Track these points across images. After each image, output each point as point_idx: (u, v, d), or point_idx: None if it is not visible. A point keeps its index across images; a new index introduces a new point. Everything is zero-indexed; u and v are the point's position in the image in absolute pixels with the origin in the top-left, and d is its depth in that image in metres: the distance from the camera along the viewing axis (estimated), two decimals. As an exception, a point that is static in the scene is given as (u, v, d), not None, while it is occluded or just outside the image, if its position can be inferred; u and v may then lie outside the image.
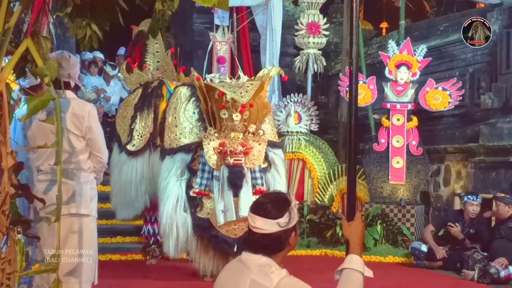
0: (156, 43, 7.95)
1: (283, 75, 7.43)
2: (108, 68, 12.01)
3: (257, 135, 6.81)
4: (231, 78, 7.10)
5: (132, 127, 7.44)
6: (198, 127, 6.88)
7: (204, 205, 6.72)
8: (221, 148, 6.61)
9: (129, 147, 7.41)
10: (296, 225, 2.69)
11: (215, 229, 6.66)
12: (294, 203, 2.69)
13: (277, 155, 7.15)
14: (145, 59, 8.02)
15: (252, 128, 6.77)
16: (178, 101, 7.01)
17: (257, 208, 2.66)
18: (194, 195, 6.71)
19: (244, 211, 6.49)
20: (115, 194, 7.65)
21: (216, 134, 6.68)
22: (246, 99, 6.44)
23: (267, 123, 7.16)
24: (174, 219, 6.61)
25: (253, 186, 6.71)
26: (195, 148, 6.80)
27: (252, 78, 7.05)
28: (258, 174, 6.80)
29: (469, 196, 7.99)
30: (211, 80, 6.98)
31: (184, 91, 7.07)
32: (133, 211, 7.60)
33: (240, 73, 7.25)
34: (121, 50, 12.30)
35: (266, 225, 2.62)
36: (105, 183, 8.49)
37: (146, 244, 8.07)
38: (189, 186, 6.73)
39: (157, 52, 7.97)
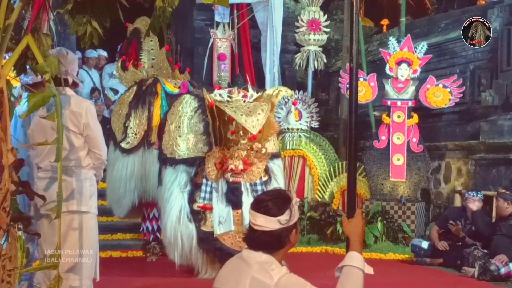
0: (151, 40, 7.90)
1: (293, 100, 7.42)
2: (110, 93, 12.04)
3: (259, 152, 6.82)
4: (238, 91, 7.00)
5: (126, 125, 7.44)
6: (202, 142, 6.86)
7: (208, 218, 6.73)
8: (222, 163, 6.65)
9: (123, 144, 7.41)
10: (296, 222, 2.69)
11: (220, 242, 6.67)
12: (295, 200, 2.69)
13: (275, 165, 7.14)
14: (140, 57, 7.98)
15: (256, 146, 6.78)
16: (183, 110, 6.95)
17: (258, 206, 2.68)
18: (198, 209, 6.72)
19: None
20: (108, 192, 7.69)
21: (220, 152, 6.71)
22: (256, 131, 6.44)
23: (271, 139, 7.15)
24: (178, 230, 6.62)
25: (254, 198, 6.74)
26: (198, 163, 6.80)
27: (260, 94, 6.98)
28: (259, 187, 6.82)
29: (469, 192, 8.01)
30: (220, 95, 6.90)
31: (190, 101, 7.00)
32: (122, 209, 7.60)
33: (249, 87, 7.16)
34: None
35: (267, 223, 2.63)
36: (104, 180, 8.51)
37: (146, 242, 8.08)
38: (191, 199, 6.73)
39: (152, 49, 7.93)
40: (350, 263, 2.66)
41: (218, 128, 6.68)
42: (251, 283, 2.56)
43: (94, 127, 4.43)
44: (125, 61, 8.00)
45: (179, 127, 6.89)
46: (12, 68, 3.15)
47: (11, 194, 2.89)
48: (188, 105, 6.97)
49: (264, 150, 6.87)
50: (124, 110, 7.54)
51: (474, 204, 7.90)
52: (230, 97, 6.89)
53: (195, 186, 6.75)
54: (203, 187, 6.72)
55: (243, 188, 6.72)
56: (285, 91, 7.33)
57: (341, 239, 8.92)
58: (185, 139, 6.85)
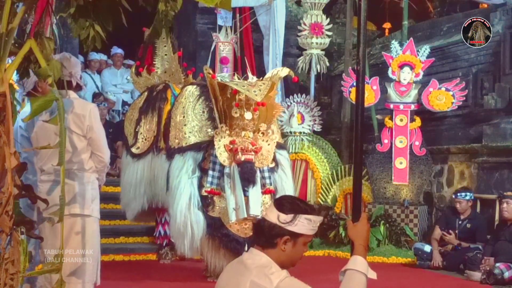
0: (165, 46, 7.94)
1: (293, 76, 7.45)
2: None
3: (266, 135, 6.83)
4: (239, 78, 7.09)
5: (136, 130, 7.48)
6: (208, 126, 6.88)
7: (216, 204, 6.72)
8: (231, 145, 6.63)
9: (133, 149, 7.46)
10: (296, 237, 2.66)
11: (226, 228, 6.67)
12: (309, 217, 2.66)
13: (282, 156, 7.17)
14: (154, 62, 8.02)
15: (263, 127, 6.79)
16: (187, 100, 6.98)
17: (280, 198, 2.81)
18: (206, 194, 6.71)
19: (254, 209, 6.51)
20: (121, 196, 7.74)
21: (227, 131, 6.70)
22: (260, 98, 6.46)
23: (274, 124, 7.18)
24: (188, 217, 6.60)
25: (263, 185, 6.74)
26: (205, 147, 6.80)
27: (260, 78, 7.06)
28: (266, 174, 6.83)
29: (457, 194, 8.09)
30: (221, 79, 6.98)
31: (192, 90, 7.05)
32: (131, 212, 7.62)
33: (248, 73, 7.23)
34: (115, 49, 12.35)
35: (270, 211, 2.71)
36: (107, 184, 8.53)
37: (159, 246, 8.14)
38: (200, 185, 6.73)
39: (166, 55, 7.95)
40: (353, 267, 2.65)
41: (222, 107, 6.71)
42: (250, 287, 2.55)
43: (97, 130, 4.45)
44: (139, 66, 8.06)
45: (184, 117, 6.92)
46: (15, 72, 3.15)
47: (14, 198, 2.89)
48: (191, 94, 7.02)
49: (270, 132, 6.88)
50: (135, 115, 7.61)
51: (461, 205, 7.98)
52: (233, 80, 6.99)
53: (203, 172, 6.75)
54: (210, 172, 6.71)
55: (255, 168, 6.71)
56: (283, 70, 7.35)
57: (344, 243, 8.93)
58: (190, 126, 6.88)
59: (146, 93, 7.68)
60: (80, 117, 4.36)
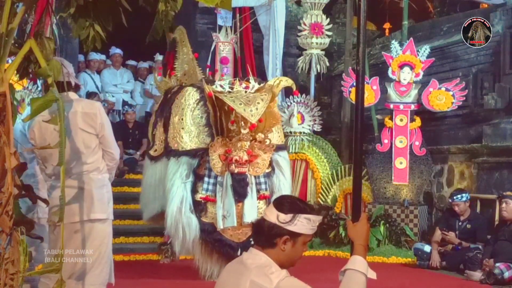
0: (185, 48, 7.93)
1: (294, 89, 7.42)
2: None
3: (263, 144, 6.82)
4: (240, 83, 7.02)
5: (153, 133, 7.48)
6: (205, 133, 6.86)
7: (209, 210, 6.75)
8: (226, 154, 6.65)
9: (151, 152, 7.46)
10: (296, 236, 2.67)
11: (219, 233, 6.69)
12: (308, 217, 2.67)
13: (281, 157, 7.16)
14: (174, 66, 8.02)
15: (259, 137, 6.79)
16: (186, 102, 6.95)
17: (279, 198, 2.81)
18: (200, 199, 6.74)
19: (249, 217, 6.56)
20: (140, 196, 7.74)
21: (223, 142, 6.70)
22: (255, 119, 6.44)
23: (275, 130, 7.15)
24: (180, 220, 6.63)
25: (258, 191, 6.78)
26: (201, 154, 6.81)
27: (262, 85, 7.01)
28: (262, 180, 6.85)
29: (453, 197, 8.07)
30: (221, 86, 6.92)
31: (192, 93, 7.00)
32: (147, 213, 7.62)
33: (251, 78, 7.18)
34: (114, 49, 12.35)
35: (269, 211, 2.71)
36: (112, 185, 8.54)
37: (162, 243, 8.15)
38: (194, 190, 6.74)
39: (185, 57, 7.94)
40: (353, 267, 2.66)
41: (219, 118, 6.69)
42: (250, 287, 2.55)
43: (108, 127, 4.49)
44: (160, 71, 8.10)
45: (182, 119, 6.90)
46: (15, 72, 3.15)
47: (14, 198, 2.89)
48: (190, 97, 6.98)
49: (268, 141, 6.87)
50: (153, 119, 7.63)
51: (460, 207, 7.98)
52: (232, 88, 6.92)
53: (197, 177, 6.76)
54: (206, 179, 6.74)
55: (248, 180, 6.72)
56: (286, 81, 7.33)
57: (344, 243, 8.93)
58: (188, 131, 6.87)
59: (162, 96, 7.70)
60: (92, 116, 4.37)
